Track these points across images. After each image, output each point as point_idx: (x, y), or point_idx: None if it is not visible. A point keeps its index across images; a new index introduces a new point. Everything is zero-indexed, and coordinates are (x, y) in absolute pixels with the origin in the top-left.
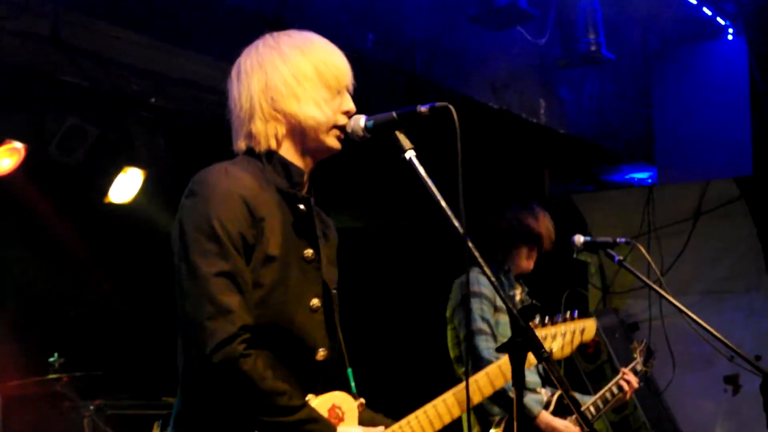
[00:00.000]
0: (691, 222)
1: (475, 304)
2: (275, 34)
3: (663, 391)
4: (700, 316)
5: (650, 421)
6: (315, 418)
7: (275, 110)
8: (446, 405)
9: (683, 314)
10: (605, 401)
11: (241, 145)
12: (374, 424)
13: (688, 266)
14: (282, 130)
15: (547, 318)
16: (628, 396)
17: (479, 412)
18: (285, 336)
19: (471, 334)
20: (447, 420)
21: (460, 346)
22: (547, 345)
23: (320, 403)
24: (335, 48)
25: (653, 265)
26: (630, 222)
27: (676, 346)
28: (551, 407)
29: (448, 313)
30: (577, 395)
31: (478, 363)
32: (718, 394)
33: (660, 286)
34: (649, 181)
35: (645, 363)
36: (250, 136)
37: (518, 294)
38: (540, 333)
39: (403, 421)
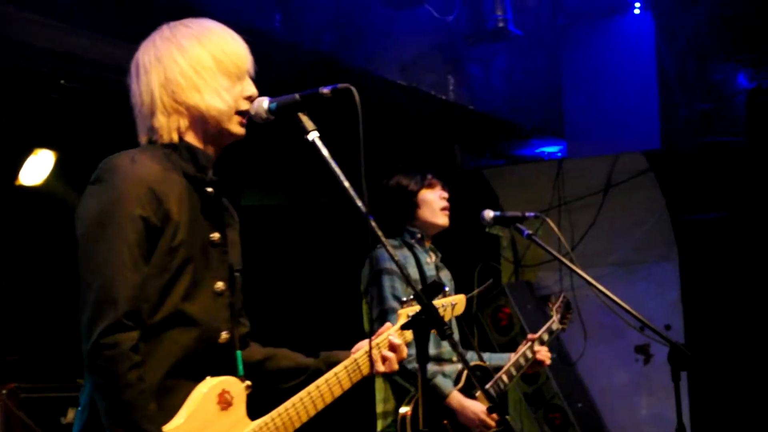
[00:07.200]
0: (601, 195)
1: (386, 282)
2: (172, 24)
3: (575, 361)
4: (611, 287)
5: (563, 391)
6: None
7: (177, 103)
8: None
9: (592, 287)
10: (518, 368)
11: (143, 139)
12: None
13: (599, 238)
14: (184, 122)
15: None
16: (545, 365)
17: (396, 386)
18: (189, 320)
19: (384, 314)
20: (329, 400)
21: (373, 323)
22: None
23: (211, 388)
24: (233, 34)
25: (562, 239)
26: (541, 195)
27: (587, 317)
28: (461, 383)
29: (362, 287)
30: (495, 356)
31: None
32: (629, 364)
33: (570, 260)
34: (559, 155)
35: (562, 320)
36: (152, 130)
37: (432, 260)
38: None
39: (288, 403)
